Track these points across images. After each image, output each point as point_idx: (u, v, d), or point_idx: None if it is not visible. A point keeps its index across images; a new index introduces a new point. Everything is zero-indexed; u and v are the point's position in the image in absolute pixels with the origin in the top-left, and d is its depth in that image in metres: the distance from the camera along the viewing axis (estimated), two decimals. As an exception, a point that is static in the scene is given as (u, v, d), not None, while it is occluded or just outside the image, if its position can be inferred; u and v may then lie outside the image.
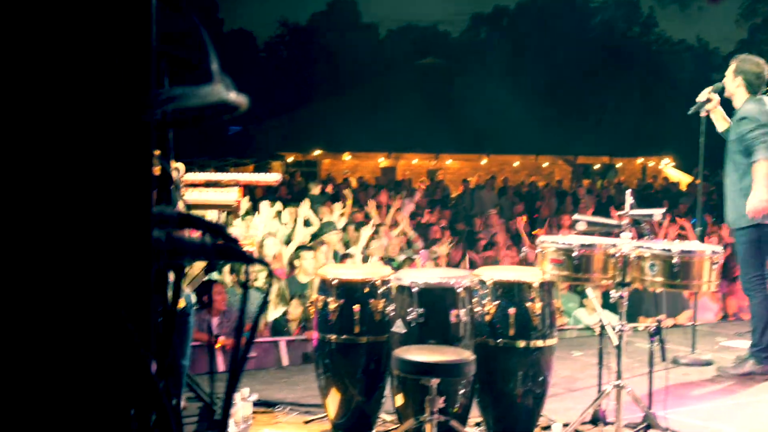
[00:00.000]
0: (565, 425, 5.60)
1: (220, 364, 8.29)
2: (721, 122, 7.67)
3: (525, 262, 11.46)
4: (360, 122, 29.05)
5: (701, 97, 7.67)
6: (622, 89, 35.20)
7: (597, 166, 34.55)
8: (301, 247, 10.50)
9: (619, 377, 5.60)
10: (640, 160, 33.95)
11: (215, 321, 8.47)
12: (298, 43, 42.85)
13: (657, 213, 5.87)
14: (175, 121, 1.63)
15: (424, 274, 5.92)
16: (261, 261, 1.64)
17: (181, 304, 5.35)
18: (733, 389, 7.12)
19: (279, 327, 9.22)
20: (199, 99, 1.53)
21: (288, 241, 11.14)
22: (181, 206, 1.53)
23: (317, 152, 30.93)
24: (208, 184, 5.53)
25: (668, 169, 33.56)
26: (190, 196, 5.38)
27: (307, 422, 6.06)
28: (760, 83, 7.35)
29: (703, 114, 7.73)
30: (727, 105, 7.64)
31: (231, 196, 5.48)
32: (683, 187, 26.81)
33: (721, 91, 7.59)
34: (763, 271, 7.27)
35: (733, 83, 7.42)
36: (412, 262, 10.77)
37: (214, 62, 1.60)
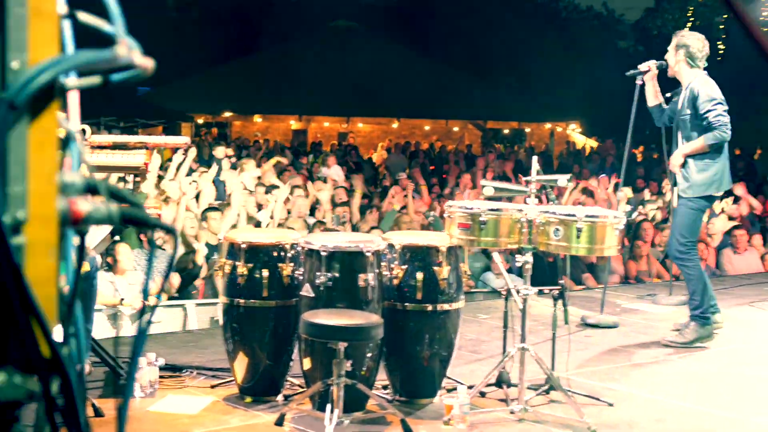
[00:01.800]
0: (470, 387, 5.69)
1: (126, 327, 8.22)
2: (652, 98, 7.78)
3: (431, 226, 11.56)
4: (271, 84, 28.83)
5: (643, 66, 7.79)
6: (530, 55, 35.51)
7: (506, 131, 34.89)
8: (208, 209, 10.43)
9: (523, 340, 5.71)
10: (548, 126, 34.37)
11: (121, 283, 8.37)
12: (209, 2, 42.25)
13: (562, 178, 5.97)
14: (80, 84, 1.62)
15: (333, 238, 5.95)
16: (166, 226, 1.64)
17: (86, 267, 5.29)
18: (633, 351, 7.31)
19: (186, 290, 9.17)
20: (104, 62, 1.52)
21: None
22: (84, 170, 1.52)
23: (228, 114, 30.64)
24: (115, 147, 5.45)
25: (574, 134, 34.05)
26: (97, 158, 5.30)
27: (214, 386, 6.05)
28: (701, 57, 7.44)
29: (638, 82, 7.85)
30: (666, 85, 7.78)
31: (138, 158, 5.42)
32: (589, 151, 27.21)
33: (663, 69, 7.67)
34: (696, 239, 7.44)
35: (675, 57, 7.50)
36: (322, 225, 10.78)
37: (119, 24, 1.58)
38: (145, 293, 1.90)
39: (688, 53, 7.42)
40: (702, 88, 7.29)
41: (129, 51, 1.51)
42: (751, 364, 7.04)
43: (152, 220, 1.59)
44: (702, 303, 7.36)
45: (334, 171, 17.15)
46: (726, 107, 7.23)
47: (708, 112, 7.20)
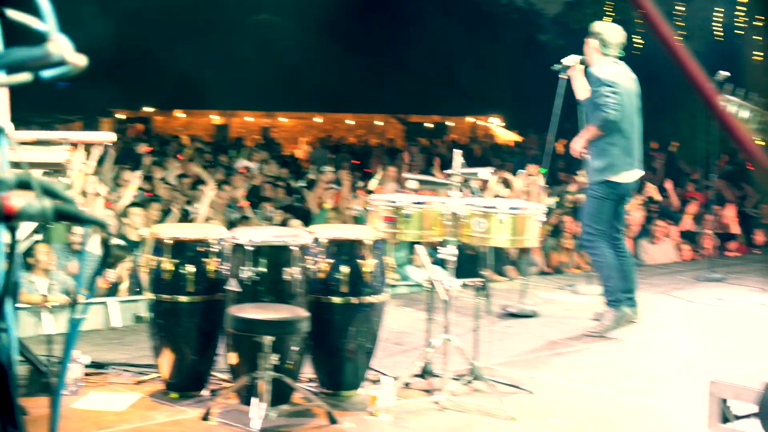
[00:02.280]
0: (395, 378, 5.76)
1: (48, 326, 8.13)
2: (580, 91, 7.90)
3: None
4: (192, 79, 28.55)
5: (566, 61, 7.89)
6: (452, 49, 35.72)
7: (429, 125, 35.05)
8: (130, 204, 10.34)
9: (446, 331, 5.80)
10: (469, 119, 34.61)
11: (43, 282, 8.29)
12: (127, -4, 41.69)
13: (483, 172, 6.06)
14: (9, 81, 1.64)
15: (259, 232, 5.97)
16: (98, 222, 1.67)
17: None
18: (553, 340, 7.46)
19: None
20: (37, 59, 1.54)
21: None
22: (7, 166, 1.54)
23: (148, 109, 30.30)
24: (38, 143, 5.39)
25: (496, 128, 34.35)
26: (18, 155, 5.23)
27: (139, 382, 6.03)
28: (614, 46, 7.56)
29: (563, 77, 7.95)
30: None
31: (61, 155, 5.37)
32: (512, 145, 27.50)
33: (585, 63, 7.78)
34: (604, 227, 7.53)
35: (589, 46, 7.63)
36: (247, 220, 10.76)
37: (50, 21, 1.60)
38: (66, 291, 1.92)
39: (600, 42, 7.57)
40: (596, 72, 7.46)
41: (61, 48, 1.54)
42: (667, 351, 7.23)
43: (85, 216, 1.62)
44: (613, 289, 7.51)
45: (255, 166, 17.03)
46: (614, 89, 7.35)
47: (595, 94, 7.38)
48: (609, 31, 7.59)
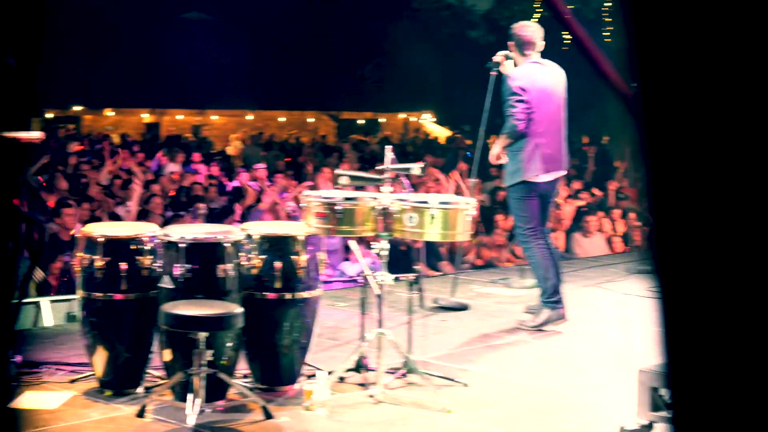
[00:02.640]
0: (330, 373, 5.81)
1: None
2: None
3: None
4: (122, 77, 28.29)
5: (496, 57, 7.90)
6: (383, 45, 35.81)
7: (361, 122, 35.12)
8: (61, 204, 10.23)
9: (380, 325, 5.86)
10: (402, 116, 34.74)
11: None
12: (54, -8, 40.97)
13: (415, 167, 6.12)
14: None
15: (191, 229, 5.98)
16: (34, 217, 1.69)
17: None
18: (487, 333, 7.54)
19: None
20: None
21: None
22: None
23: (78, 108, 29.93)
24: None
25: (428, 124, 34.52)
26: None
27: (73, 381, 6.00)
28: (531, 45, 7.60)
29: (493, 73, 7.97)
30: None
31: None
32: (444, 140, 27.64)
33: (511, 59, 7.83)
34: (534, 225, 7.55)
35: (511, 48, 7.68)
36: (181, 218, 10.72)
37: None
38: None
39: (516, 42, 7.62)
40: (509, 78, 7.51)
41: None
42: (599, 343, 7.35)
43: (22, 212, 1.64)
44: (545, 288, 7.57)
45: (175, 167, 16.85)
46: (521, 96, 7.33)
47: (505, 103, 7.45)
48: (524, 30, 7.59)
